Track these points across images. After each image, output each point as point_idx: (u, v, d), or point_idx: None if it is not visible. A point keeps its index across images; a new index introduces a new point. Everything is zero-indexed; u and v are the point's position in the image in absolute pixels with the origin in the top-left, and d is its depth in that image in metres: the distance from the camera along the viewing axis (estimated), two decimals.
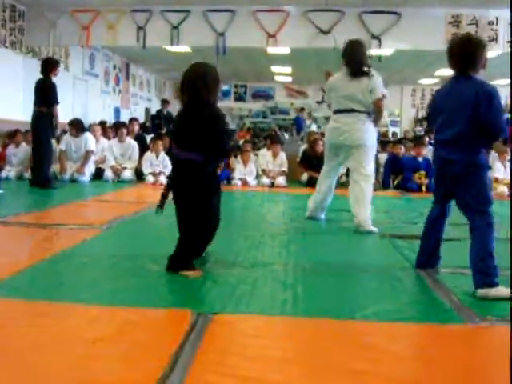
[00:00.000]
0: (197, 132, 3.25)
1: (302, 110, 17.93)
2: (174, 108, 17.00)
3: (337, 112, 5.29)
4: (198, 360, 2.04)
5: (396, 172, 9.50)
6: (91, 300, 2.72)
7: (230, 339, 2.30)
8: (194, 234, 3.33)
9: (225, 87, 20.03)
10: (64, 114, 10.87)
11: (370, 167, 5.28)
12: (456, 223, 4.68)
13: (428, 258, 3.56)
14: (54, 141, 9.56)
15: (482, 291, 2.94)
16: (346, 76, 5.19)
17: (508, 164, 9.22)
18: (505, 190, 9.13)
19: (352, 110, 5.15)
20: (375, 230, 5.05)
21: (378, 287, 3.23)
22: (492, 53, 10.67)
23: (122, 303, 2.68)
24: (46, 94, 7.81)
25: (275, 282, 3.23)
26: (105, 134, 10.86)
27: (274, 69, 16.84)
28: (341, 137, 5.20)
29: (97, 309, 2.60)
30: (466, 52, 3.19)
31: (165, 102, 14.66)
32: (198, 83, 3.24)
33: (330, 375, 1.96)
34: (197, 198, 3.30)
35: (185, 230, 3.34)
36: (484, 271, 2.98)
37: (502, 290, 2.94)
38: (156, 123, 13.90)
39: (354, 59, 5.16)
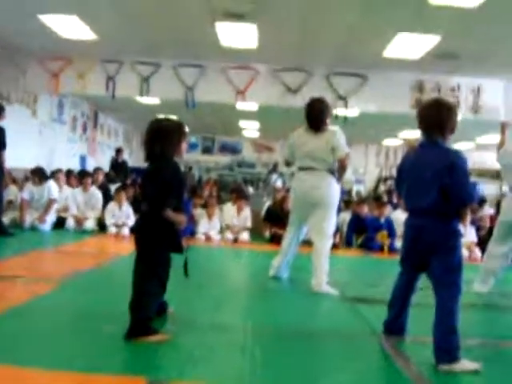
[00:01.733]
0: (146, 183, 3.39)
1: (275, 167, 18.01)
2: (140, 157, 17.04)
3: (300, 169, 5.32)
4: None
5: (359, 231, 9.55)
6: (40, 365, 2.59)
7: None
8: (143, 288, 3.21)
9: (192, 139, 20.12)
10: (28, 158, 10.79)
11: (329, 226, 5.24)
12: (420, 287, 4.65)
13: (395, 325, 3.51)
14: (15, 188, 9.43)
15: (445, 367, 2.90)
16: (307, 132, 5.24)
17: (470, 226, 9.33)
18: (465, 252, 9.22)
19: (314, 168, 5.18)
20: (332, 291, 4.99)
21: (338, 355, 3.18)
22: None
23: (72, 368, 2.56)
24: None
25: (233, 346, 3.16)
26: (69, 182, 10.72)
27: (242, 124, 17.00)
28: (305, 194, 5.22)
29: (45, 375, 2.48)
30: (434, 117, 3.21)
31: (118, 151, 14.39)
32: (150, 138, 3.33)
33: None
34: (146, 248, 3.29)
35: (135, 286, 3.24)
36: (447, 348, 2.94)
37: (466, 365, 2.91)
38: (111, 174, 13.54)
39: (314, 115, 5.20)
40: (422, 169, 3.18)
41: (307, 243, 5.57)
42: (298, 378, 2.68)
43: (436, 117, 3.21)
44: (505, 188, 5.70)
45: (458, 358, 2.92)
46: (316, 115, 5.20)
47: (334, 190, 5.22)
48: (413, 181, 3.25)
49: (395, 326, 3.51)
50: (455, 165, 3.08)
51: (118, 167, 13.83)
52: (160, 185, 3.22)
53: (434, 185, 3.09)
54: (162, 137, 3.30)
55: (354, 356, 3.13)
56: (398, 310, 3.48)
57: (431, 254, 3.14)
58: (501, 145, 5.76)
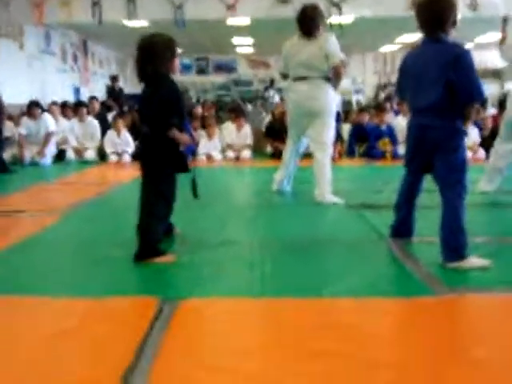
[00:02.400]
0: (144, 105, 3.26)
1: (272, 82, 17.75)
2: (135, 83, 16.79)
3: (295, 80, 5.18)
4: (165, 351, 1.97)
5: (361, 140, 9.47)
6: (51, 291, 2.62)
7: (197, 326, 2.22)
8: (150, 211, 3.19)
9: (186, 61, 19.74)
10: (20, 93, 10.62)
11: (328, 135, 5.16)
12: (428, 190, 4.63)
13: (403, 228, 3.53)
14: (11, 124, 9.32)
15: (453, 265, 2.91)
16: (300, 40, 5.09)
17: (472, 126, 9.21)
18: (469, 153, 9.17)
19: (309, 77, 5.06)
20: (337, 200, 5.00)
21: (347, 261, 3.19)
22: None
23: (83, 293, 2.59)
24: None
25: (242, 261, 3.17)
26: (65, 113, 10.59)
27: (235, 40, 16.61)
28: (301, 105, 5.12)
29: (57, 301, 2.51)
30: (433, 11, 3.08)
31: (114, 79, 14.21)
32: (142, 56, 3.19)
33: (302, 359, 1.91)
34: (151, 171, 3.27)
35: (143, 209, 3.21)
36: (454, 246, 2.95)
37: (474, 261, 2.92)
38: (107, 103, 13.41)
39: (306, 20, 5.05)
40: (426, 65, 3.08)
41: (308, 156, 5.54)
42: (308, 285, 2.69)
43: (436, 11, 3.07)
44: (508, 86, 5.58)
45: (466, 256, 2.92)
46: (308, 20, 5.03)
47: (330, 99, 5.12)
48: (416, 79, 3.15)
49: (403, 229, 3.52)
50: (461, 59, 2.96)
51: (115, 95, 13.65)
52: (160, 104, 3.12)
53: (440, 81, 2.98)
54: (153, 54, 3.15)
55: (363, 261, 3.15)
56: (405, 213, 3.47)
57: (435, 153, 3.08)
58: (502, 41, 5.61)
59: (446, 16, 3.06)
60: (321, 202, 5.01)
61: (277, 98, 14.76)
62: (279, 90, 16.36)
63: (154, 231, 3.20)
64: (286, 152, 5.53)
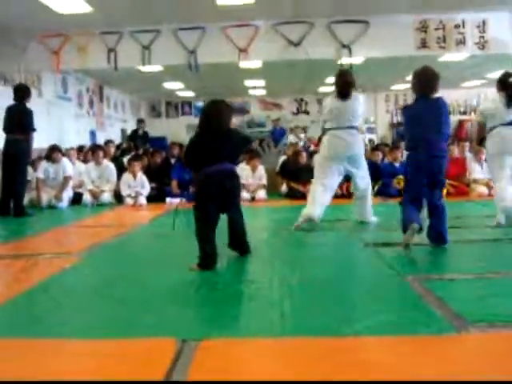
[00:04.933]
0: (225, 148, 4.23)
1: (278, 120, 17.96)
2: (149, 126, 16.99)
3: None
4: None
5: (375, 179, 9.49)
6: (70, 334, 2.63)
7: (218, 367, 2.22)
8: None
9: (199, 104, 20.00)
10: (39, 139, 10.77)
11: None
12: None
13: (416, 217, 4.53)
14: (29, 168, 9.46)
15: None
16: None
17: (484, 164, 9.24)
18: (484, 190, 9.18)
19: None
20: (374, 219, 6.28)
21: (367, 299, 3.18)
22: (461, 55, 10.80)
23: (102, 336, 2.59)
24: (23, 121, 7.68)
25: (261, 300, 3.17)
26: (83, 158, 10.76)
27: (248, 83, 16.84)
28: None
29: (76, 343, 2.51)
30: (427, 81, 4.65)
31: (140, 122, 14.60)
32: (221, 116, 4.30)
33: None
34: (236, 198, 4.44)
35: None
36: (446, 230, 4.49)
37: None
38: (132, 145, 13.80)
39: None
40: (429, 112, 4.55)
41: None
42: (329, 324, 2.67)
43: (430, 82, 4.65)
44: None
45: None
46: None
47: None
48: (422, 121, 4.54)
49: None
50: (447, 109, 4.68)
51: (139, 138, 13.95)
52: (240, 145, 4.59)
53: (438, 123, 4.55)
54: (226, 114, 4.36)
55: (382, 299, 3.13)
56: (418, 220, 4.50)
57: (439, 173, 4.57)
58: None
59: (437, 85, 4.65)
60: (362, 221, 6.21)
61: (292, 138, 14.87)
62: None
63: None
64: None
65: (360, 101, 6.14)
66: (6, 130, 7.83)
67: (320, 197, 5.95)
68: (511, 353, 2.27)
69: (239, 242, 4.42)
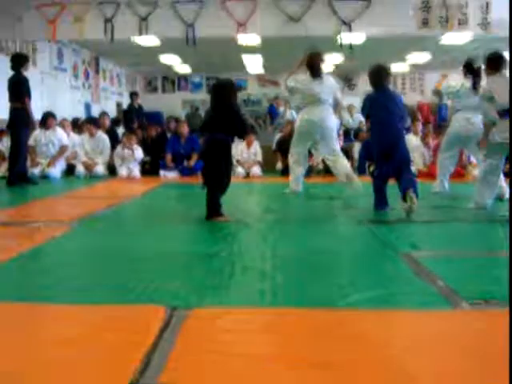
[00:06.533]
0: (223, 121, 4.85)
1: (276, 98, 17.79)
2: (145, 101, 16.82)
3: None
4: (173, 359, 1.93)
5: (371, 158, 9.43)
6: (58, 300, 2.58)
7: (207, 335, 2.17)
8: (216, 186, 4.77)
9: (196, 79, 19.83)
10: (33, 109, 10.67)
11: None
12: (436, 206, 4.62)
13: (384, 203, 5.34)
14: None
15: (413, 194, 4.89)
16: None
17: None
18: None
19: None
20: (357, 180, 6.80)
21: (361, 273, 3.16)
22: (462, 38, 10.67)
23: (91, 301, 2.55)
24: (19, 89, 7.66)
25: (253, 271, 3.13)
26: (78, 129, 10.67)
27: (246, 59, 16.67)
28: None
29: (65, 308, 2.47)
30: (379, 77, 5.54)
31: (134, 95, 14.42)
32: (223, 94, 4.95)
33: (315, 368, 1.85)
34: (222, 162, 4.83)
35: (210, 187, 4.77)
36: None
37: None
38: (128, 117, 13.66)
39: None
40: (388, 101, 5.42)
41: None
42: (321, 296, 2.63)
43: (382, 77, 5.56)
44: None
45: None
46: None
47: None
48: (383, 109, 5.35)
49: (384, 204, 5.37)
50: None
51: (134, 112, 13.79)
52: (238, 121, 5.00)
53: (398, 110, 5.44)
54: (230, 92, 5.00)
55: (377, 274, 3.12)
56: (385, 192, 5.41)
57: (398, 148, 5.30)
58: None
59: (387, 80, 5.66)
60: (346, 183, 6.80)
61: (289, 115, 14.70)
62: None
63: (216, 197, 4.84)
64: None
65: (331, 80, 6.91)
66: (9, 99, 7.86)
67: (297, 170, 6.90)
68: (505, 329, 2.24)
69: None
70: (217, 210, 4.77)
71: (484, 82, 5.92)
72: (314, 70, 6.70)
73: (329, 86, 6.82)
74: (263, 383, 1.75)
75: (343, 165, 6.91)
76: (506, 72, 5.49)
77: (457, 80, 6.70)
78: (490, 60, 5.57)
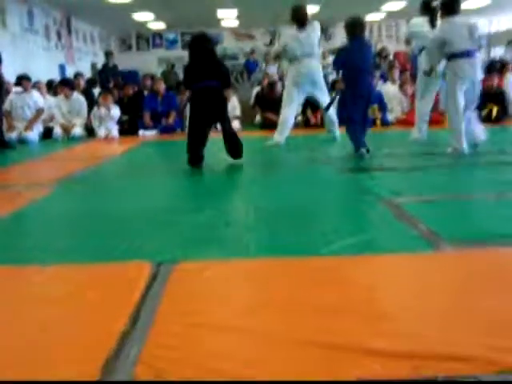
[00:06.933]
0: (210, 68, 5.12)
1: (253, 53, 17.56)
2: (120, 60, 16.53)
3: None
4: (162, 312, 1.94)
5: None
6: (43, 261, 2.57)
7: (194, 287, 2.19)
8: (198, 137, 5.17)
9: (171, 35, 19.51)
10: (5, 73, 10.45)
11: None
12: (415, 152, 4.65)
13: (363, 143, 5.57)
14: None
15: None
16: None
17: None
18: None
19: None
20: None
21: (343, 221, 3.18)
22: None
23: (75, 261, 2.54)
24: None
25: (237, 224, 3.15)
26: (53, 92, 10.48)
27: (220, 13, 16.41)
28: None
29: (50, 269, 2.45)
30: (357, 27, 5.75)
31: (109, 54, 14.17)
32: (205, 45, 5.15)
33: (303, 315, 1.87)
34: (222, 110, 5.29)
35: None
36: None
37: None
38: (103, 77, 13.45)
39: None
40: (364, 50, 5.80)
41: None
42: (305, 245, 2.65)
43: (360, 26, 5.80)
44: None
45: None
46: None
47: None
48: (359, 57, 5.66)
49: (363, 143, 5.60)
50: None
51: (109, 72, 13.57)
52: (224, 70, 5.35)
53: (371, 58, 6.01)
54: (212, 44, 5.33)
55: (359, 220, 3.15)
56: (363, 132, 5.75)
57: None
58: None
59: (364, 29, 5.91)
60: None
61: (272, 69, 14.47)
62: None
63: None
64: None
65: (315, 26, 6.99)
66: None
67: (289, 123, 7.05)
68: (487, 270, 2.28)
69: (234, 147, 5.35)
70: (197, 160, 5.10)
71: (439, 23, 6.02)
72: (300, 23, 6.89)
73: (313, 36, 6.95)
74: (253, 330, 1.77)
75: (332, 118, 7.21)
76: (461, 17, 5.56)
77: (420, 20, 6.76)
78: (445, 4, 5.60)
